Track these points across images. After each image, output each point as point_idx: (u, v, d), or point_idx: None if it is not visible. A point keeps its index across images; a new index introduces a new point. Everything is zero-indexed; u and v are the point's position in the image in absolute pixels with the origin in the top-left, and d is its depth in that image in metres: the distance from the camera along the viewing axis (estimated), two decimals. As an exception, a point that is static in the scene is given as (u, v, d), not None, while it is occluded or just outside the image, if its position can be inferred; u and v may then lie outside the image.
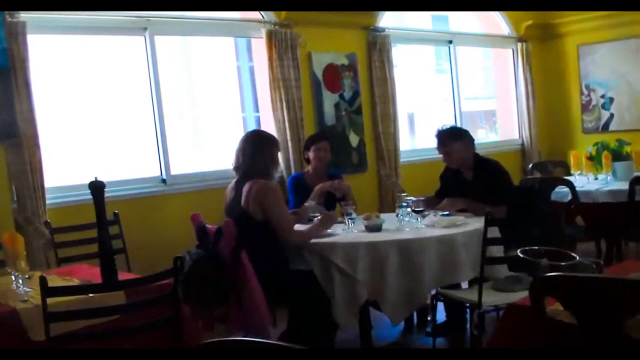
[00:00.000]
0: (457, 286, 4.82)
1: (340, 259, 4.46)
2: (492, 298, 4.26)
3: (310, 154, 5.90)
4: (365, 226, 4.87)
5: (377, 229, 4.82)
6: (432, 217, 5.02)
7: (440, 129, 5.56)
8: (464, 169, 5.51)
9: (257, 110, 6.88)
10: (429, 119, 13.94)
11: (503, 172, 5.47)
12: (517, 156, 9.47)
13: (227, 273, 4.30)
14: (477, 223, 4.74)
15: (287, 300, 4.64)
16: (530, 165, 8.54)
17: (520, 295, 4.25)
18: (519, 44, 9.28)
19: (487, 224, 4.16)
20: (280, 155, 4.96)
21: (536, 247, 3.09)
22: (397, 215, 4.96)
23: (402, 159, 7.88)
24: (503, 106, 9.95)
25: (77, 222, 5.25)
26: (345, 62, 7.34)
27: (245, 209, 4.61)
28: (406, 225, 4.88)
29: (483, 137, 11.96)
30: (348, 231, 4.91)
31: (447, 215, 5.19)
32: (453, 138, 5.43)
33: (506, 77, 9.67)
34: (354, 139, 7.40)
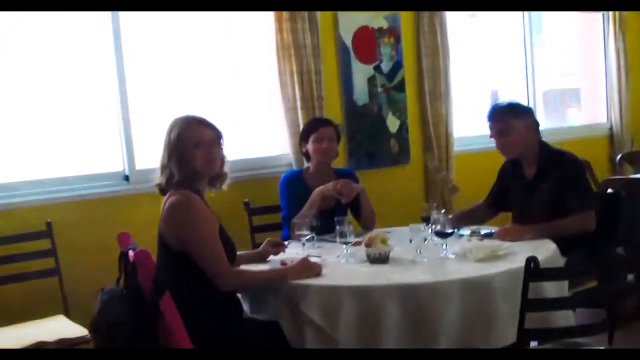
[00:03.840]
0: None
1: (315, 309, 3.01)
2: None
3: (309, 147, 4.47)
4: (367, 255, 3.44)
5: (382, 260, 3.39)
6: (465, 241, 3.55)
7: (494, 104, 4.28)
8: (524, 161, 4.16)
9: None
10: (514, 97, 12.54)
11: (578, 168, 4.09)
12: (604, 143, 7.78)
13: (147, 323, 2.92)
14: (531, 254, 3.21)
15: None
16: (619, 156, 7.04)
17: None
18: (612, 7, 7.51)
19: (529, 275, 2.61)
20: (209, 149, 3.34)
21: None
22: (410, 240, 3.49)
23: (471, 146, 6.42)
24: (588, 83, 8.24)
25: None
26: (384, 24, 5.81)
27: (160, 235, 3.26)
28: (425, 254, 3.41)
29: (572, 117, 10.43)
30: (341, 261, 3.49)
31: (489, 233, 3.80)
32: (512, 113, 4.13)
33: (593, 47, 7.94)
34: (393, 123, 5.89)
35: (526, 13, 7.19)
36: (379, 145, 5.81)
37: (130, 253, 3.09)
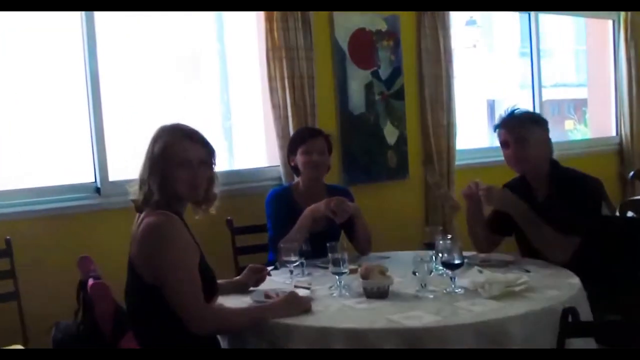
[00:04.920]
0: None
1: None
2: None
3: (298, 160, 4.02)
4: (364, 289, 2.97)
5: (380, 294, 2.93)
6: (475, 272, 3.10)
7: (509, 110, 3.81)
8: (534, 181, 3.73)
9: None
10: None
11: (593, 191, 3.65)
12: (612, 159, 7.34)
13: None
14: (553, 290, 2.89)
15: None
16: (632, 174, 6.65)
17: None
18: (622, 13, 7.08)
19: (567, 331, 2.15)
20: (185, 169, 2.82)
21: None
22: (414, 273, 3.03)
23: (474, 159, 6.01)
24: (596, 94, 7.79)
25: None
26: (383, 27, 5.36)
27: (131, 261, 2.76)
28: (430, 288, 2.96)
29: (571, 129, 10.04)
30: (334, 294, 3.03)
31: (498, 263, 3.43)
32: (532, 121, 3.74)
33: (602, 56, 7.50)
34: (391, 133, 5.43)
35: (532, 21, 6.77)
36: (375, 158, 5.37)
37: (90, 282, 2.67)
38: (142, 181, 2.80)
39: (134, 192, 2.84)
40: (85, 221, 4.17)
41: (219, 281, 3.04)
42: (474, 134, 6.77)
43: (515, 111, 3.77)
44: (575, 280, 3.07)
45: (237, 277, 3.36)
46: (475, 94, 7.00)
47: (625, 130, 7.26)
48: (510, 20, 7.00)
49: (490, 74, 7.17)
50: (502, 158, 5.78)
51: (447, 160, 5.68)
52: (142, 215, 2.79)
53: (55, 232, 4.06)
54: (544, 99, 6.98)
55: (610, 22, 7.29)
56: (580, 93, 8.69)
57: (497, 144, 5.93)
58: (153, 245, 2.67)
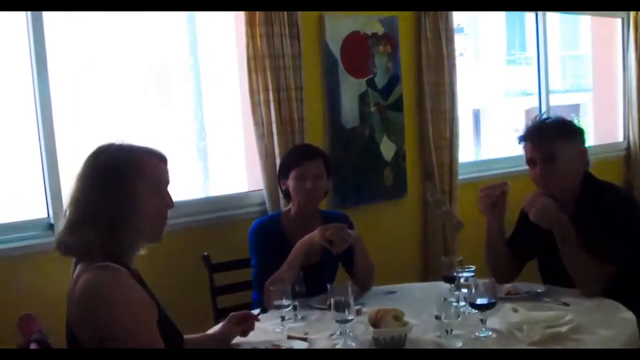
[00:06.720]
0: None
1: None
2: None
3: (290, 184, 3.51)
4: (374, 339, 2.48)
5: (395, 344, 2.44)
6: (508, 310, 2.64)
7: (538, 120, 3.33)
8: (562, 198, 3.20)
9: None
10: (498, 119, 11.68)
11: (628, 208, 3.18)
12: (618, 166, 6.88)
13: None
14: (606, 330, 2.51)
15: None
16: (643, 180, 6.18)
17: None
18: (633, 12, 6.63)
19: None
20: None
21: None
22: (438, 316, 2.52)
23: (477, 173, 5.56)
24: (602, 98, 7.39)
25: None
26: (379, 29, 4.86)
27: (68, 325, 2.24)
28: (457, 333, 2.50)
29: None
30: (337, 345, 2.57)
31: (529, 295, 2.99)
32: (563, 133, 3.21)
33: (608, 58, 7.09)
34: (388, 149, 4.93)
35: (540, 22, 6.38)
36: (370, 177, 4.85)
37: (33, 347, 2.16)
38: (78, 224, 2.24)
39: (62, 236, 2.28)
40: (36, 263, 3.54)
41: (194, 335, 2.61)
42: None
43: (545, 121, 3.30)
44: (629, 315, 2.66)
45: (217, 328, 2.83)
46: (462, 103, 6.59)
47: (634, 135, 6.85)
48: (497, 28, 6.56)
49: (476, 83, 6.70)
50: (505, 170, 5.37)
51: (449, 175, 5.22)
52: (78, 270, 2.23)
53: (5, 273, 3.45)
54: (527, 107, 6.62)
55: (619, 21, 6.87)
56: (568, 99, 8.35)
57: (493, 156, 5.52)
58: (96, 313, 2.12)
